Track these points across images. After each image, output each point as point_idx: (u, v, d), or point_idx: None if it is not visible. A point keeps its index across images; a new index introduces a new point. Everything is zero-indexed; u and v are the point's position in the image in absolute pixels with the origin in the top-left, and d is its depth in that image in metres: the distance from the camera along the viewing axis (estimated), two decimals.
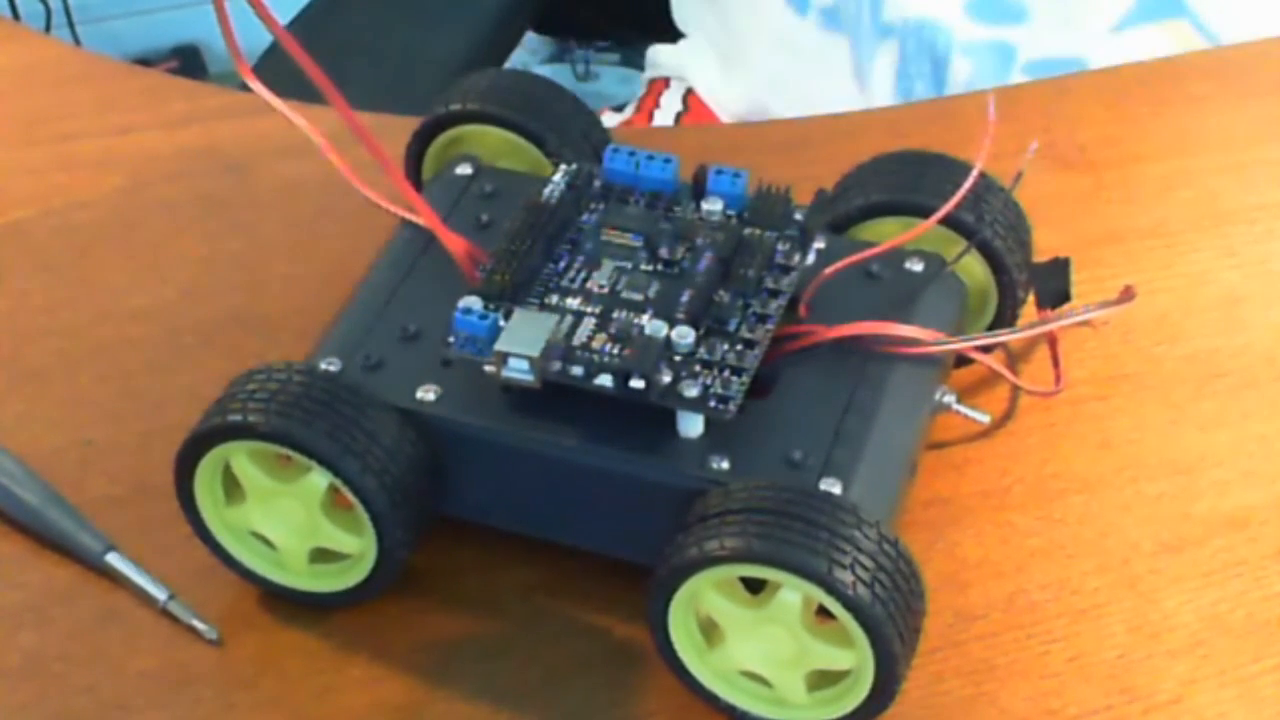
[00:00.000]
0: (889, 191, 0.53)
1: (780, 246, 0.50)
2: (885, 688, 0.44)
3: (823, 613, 0.44)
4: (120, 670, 0.49)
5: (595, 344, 0.47)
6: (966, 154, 0.51)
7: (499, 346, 0.46)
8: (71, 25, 1.69)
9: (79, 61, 0.78)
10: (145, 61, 1.59)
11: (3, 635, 0.50)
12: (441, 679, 0.49)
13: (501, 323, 0.47)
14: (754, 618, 0.45)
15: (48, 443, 0.55)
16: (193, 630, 0.50)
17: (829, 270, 0.50)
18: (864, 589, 0.43)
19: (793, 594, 0.44)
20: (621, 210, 0.51)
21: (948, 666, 0.49)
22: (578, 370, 0.47)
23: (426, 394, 0.48)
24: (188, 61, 1.69)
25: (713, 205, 0.51)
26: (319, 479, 0.47)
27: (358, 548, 0.48)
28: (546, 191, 0.51)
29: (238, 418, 0.46)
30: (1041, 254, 0.54)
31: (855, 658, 0.44)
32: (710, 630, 0.46)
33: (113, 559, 0.51)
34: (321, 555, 0.49)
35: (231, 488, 0.49)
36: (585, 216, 0.51)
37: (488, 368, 0.47)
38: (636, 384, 0.46)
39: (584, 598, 0.50)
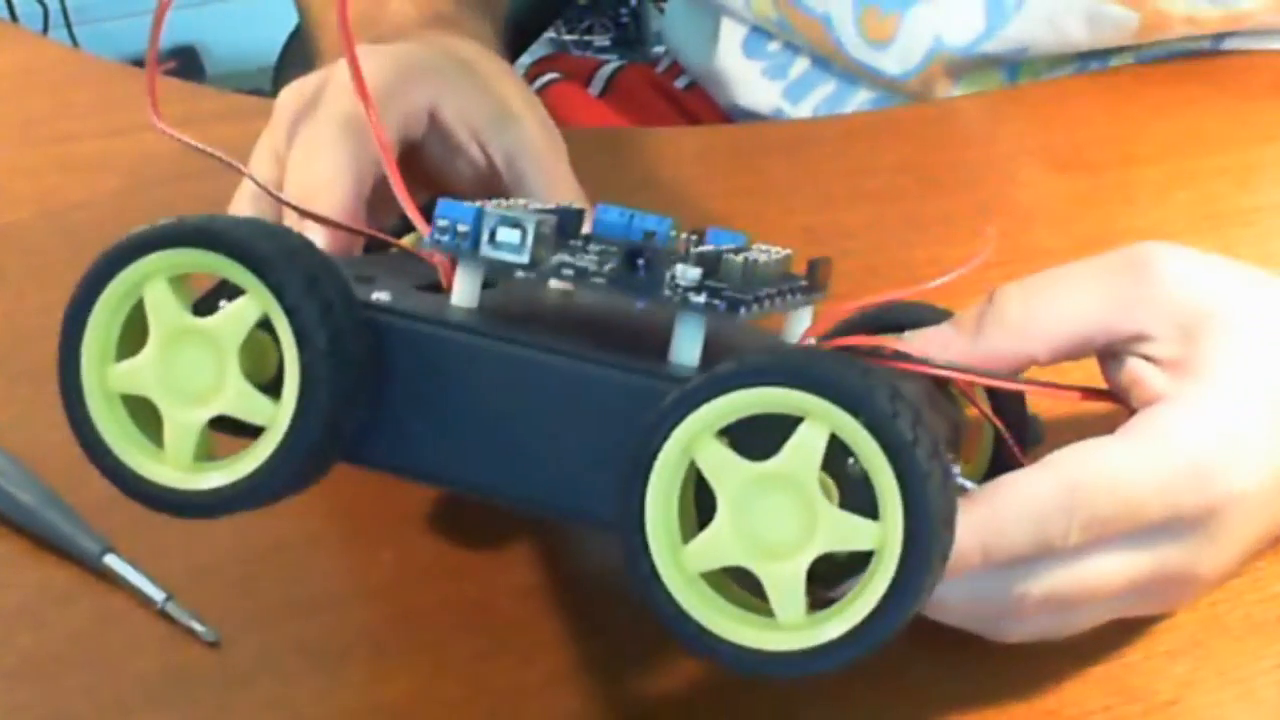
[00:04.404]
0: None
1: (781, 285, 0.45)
2: (912, 579, 0.36)
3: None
4: (118, 671, 0.49)
5: (591, 249, 0.42)
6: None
7: (489, 212, 0.42)
8: (69, 26, 1.69)
9: (76, 63, 0.78)
10: (142, 63, 1.59)
11: (0, 637, 0.50)
12: (439, 681, 0.49)
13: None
14: (759, 474, 0.38)
15: (45, 443, 0.55)
16: (191, 631, 0.50)
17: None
18: (905, 424, 0.36)
19: (816, 430, 0.37)
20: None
21: (946, 668, 0.49)
22: (574, 247, 0.42)
23: (382, 296, 0.43)
24: (185, 63, 1.69)
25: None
26: (250, 308, 0.41)
27: (268, 415, 0.41)
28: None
29: (180, 224, 0.41)
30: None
31: (880, 533, 0.37)
32: (690, 527, 0.39)
33: (111, 560, 0.51)
34: (212, 448, 0.42)
35: (128, 342, 0.42)
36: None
37: (470, 254, 0.42)
38: (642, 263, 0.41)
39: (581, 600, 0.50)
